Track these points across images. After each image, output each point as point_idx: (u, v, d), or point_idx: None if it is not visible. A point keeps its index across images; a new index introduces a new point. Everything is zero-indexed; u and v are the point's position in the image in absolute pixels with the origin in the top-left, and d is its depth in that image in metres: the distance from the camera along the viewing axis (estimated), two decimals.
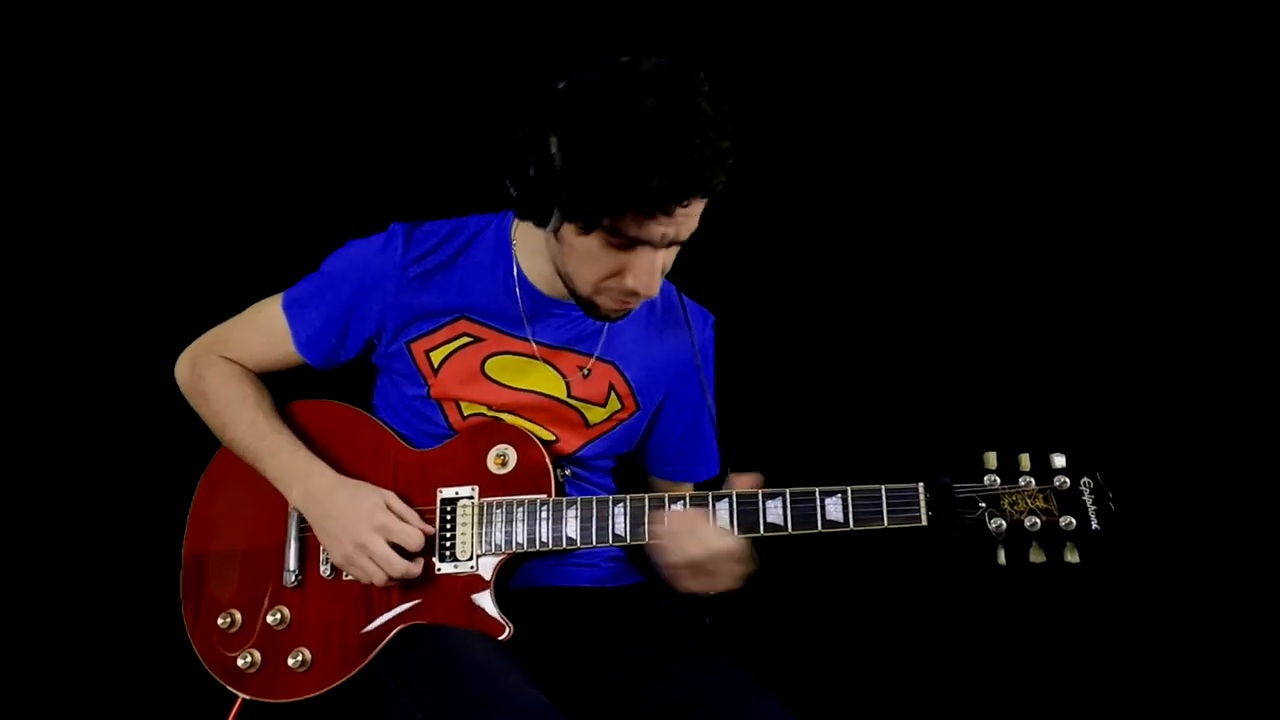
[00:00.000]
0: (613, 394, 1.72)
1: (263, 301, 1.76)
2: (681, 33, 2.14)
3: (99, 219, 2.22)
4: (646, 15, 2.14)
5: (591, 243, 1.47)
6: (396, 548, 1.57)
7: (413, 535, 1.57)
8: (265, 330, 1.74)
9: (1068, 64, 2.16)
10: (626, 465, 1.85)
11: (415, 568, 1.57)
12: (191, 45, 2.21)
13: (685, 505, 1.53)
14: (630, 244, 1.46)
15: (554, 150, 1.41)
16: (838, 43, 2.22)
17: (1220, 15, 2.10)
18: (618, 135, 1.36)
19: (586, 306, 1.58)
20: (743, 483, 1.53)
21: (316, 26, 2.21)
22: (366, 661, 1.58)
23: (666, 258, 1.52)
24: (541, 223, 1.49)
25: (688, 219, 1.46)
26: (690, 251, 1.60)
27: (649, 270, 1.48)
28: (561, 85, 1.43)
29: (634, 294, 1.51)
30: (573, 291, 1.57)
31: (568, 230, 1.48)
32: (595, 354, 1.70)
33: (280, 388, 1.77)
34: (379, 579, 1.57)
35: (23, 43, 2.17)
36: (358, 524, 1.56)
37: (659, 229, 1.44)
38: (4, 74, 2.17)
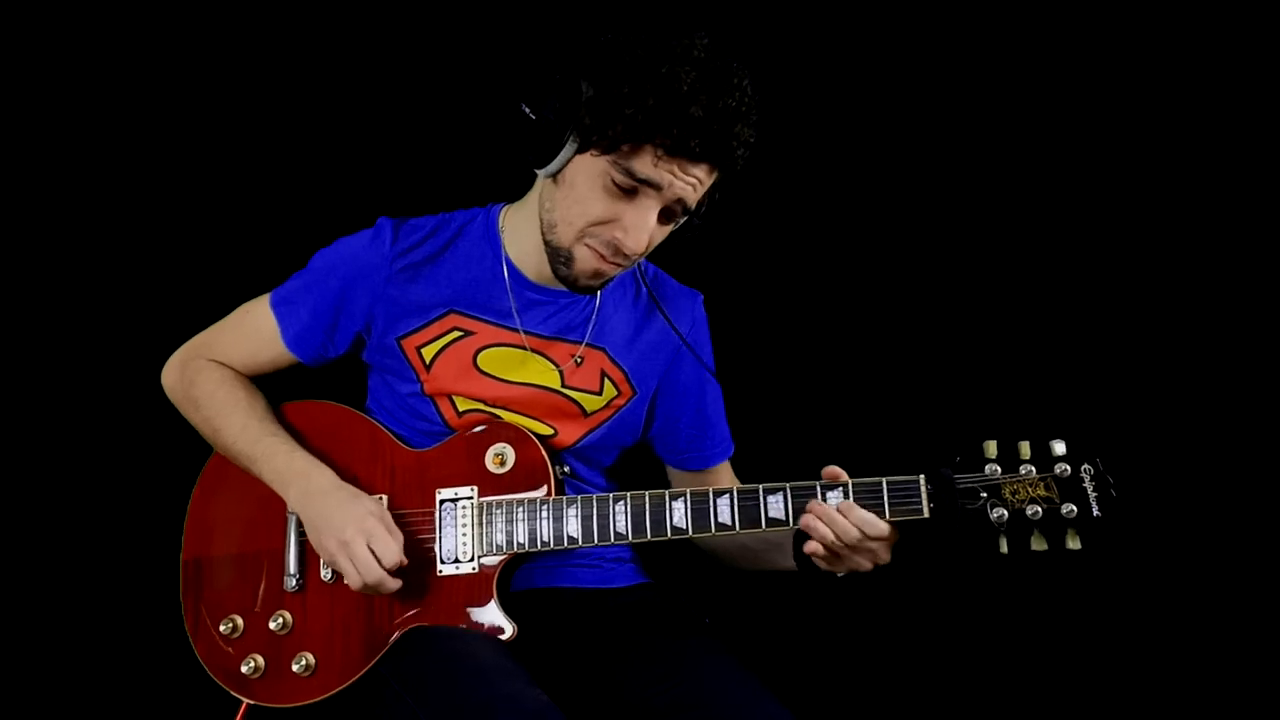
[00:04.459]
0: (606, 380, 1.71)
1: (250, 302, 1.75)
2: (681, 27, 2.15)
3: (89, 222, 2.21)
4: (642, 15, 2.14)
5: (595, 180, 1.48)
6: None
7: (391, 550, 1.54)
8: (254, 330, 1.73)
9: (1068, 63, 2.15)
10: (624, 465, 1.84)
11: (390, 583, 1.54)
12: (176, 47, 2.19)
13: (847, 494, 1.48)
14: (633, 190, 1.47)
15: (584, 85, 1.45)
16: (841, 39, 2.21)
17: (1220, 15, 2.09)
18: (663, 69, 1.40)
19: (564, 263, 1.56)
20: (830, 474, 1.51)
21: (301, 28, 2.20)
22: (370, 665, 1.58)
23: (658, 232, 1.52)
24: (548, 156, 1.49)
25: (697, 185, 1.47)
26: (689, 241, 1.60)
27: (640, 225, 1.49)
28: (607, 37, 1.47)
29: (618, 250, 1.52)
30: (555, 245, 1.57)
31: (573, 167, 1.49)
32: (584, 340, 1.70)
33: (273, 389, 1.76)
34: (355, 583, 1.55)
35: (11, 44, 2.16)
36: (345, 523, 1.55)
37: (669, 176, 1.45)
38: None
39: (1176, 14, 2.10)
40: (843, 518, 1.46)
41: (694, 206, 1.51)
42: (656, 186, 1.47)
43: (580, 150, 1.48)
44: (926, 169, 2.22)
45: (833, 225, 2.24)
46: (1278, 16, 2.07)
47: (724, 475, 1.84)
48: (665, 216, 1.52)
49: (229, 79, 2.21)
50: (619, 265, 1.55)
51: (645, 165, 1.45)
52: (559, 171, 1.52)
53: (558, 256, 1.57)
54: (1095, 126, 2.16)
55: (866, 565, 1.50)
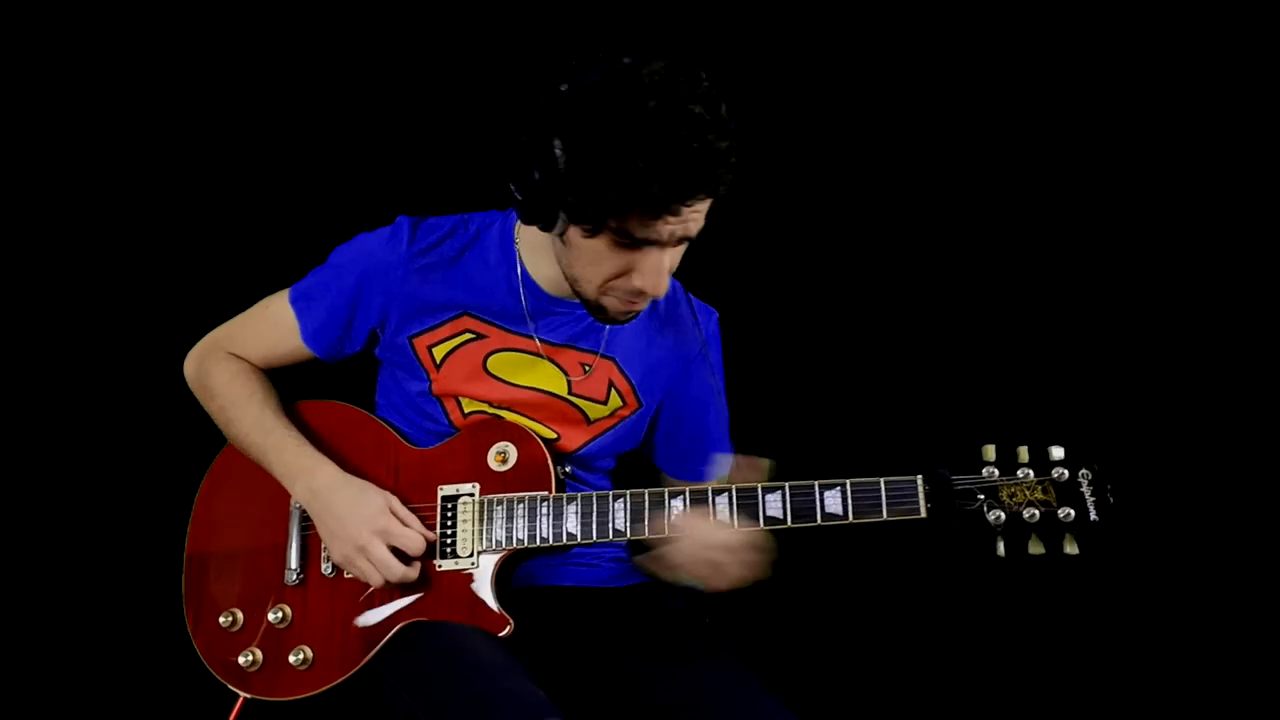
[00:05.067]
0: (613, 391, 1.72)
1: (270, 297, 1.77)
2: (683, 29, 2.16)
3: (106, 218, 2.23)
4: (647, 14, 2.15)
5: (598, 244, 1.46)
6: (397, 552, 1.57)
7: (414, 540, 1.57)
8: (272, 325, 1.75)
9: (1068, 64, 2.17)
10: (628, 466, 1.85)
11: (413, 572, 1.57)
12: (197, 43, 2.22)
13: (685, 503, 1.54)
14: (637, 244, 1.46)
15: (558, 153, 1.40)
16: (840, 38, 2.23)
17: (1220, 15, 2.11)
18: (619, 139, 1.36)
19: (594, 310, 1.58)
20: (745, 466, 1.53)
21: (321, 25, 2.22)
22: (368, 659, 1.58)
23: (673, 256, 1.52)
24: (547, 226, 1.49)
25: (696, 216, 1.46)
26: (692, 243, 1.60)
27: (656, 270, 1.48)
28: (564, 88, 1.42)
29: (641, 294, 1.52)
30: (580, 294, 1.57)
31: (574, 233, 1.48)
32: (599, 351, 1.71)
33: (284, 387, 1.77)
34: (376, 581, 1.57)
35: (24, 43, 2.18)
36: (359, 526, 1.57)
37: (666, 228, 1.44)
38: (6, 74, 2.18)
39: (1176, 14, 2.12)
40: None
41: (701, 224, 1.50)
42: (657, 243, 1.46)
43: (572, 222, 1.47)
44: (925, 170, 2.23)
45: (834, 226, 2.25)
46: (1278, 16, 2.08)
47: None
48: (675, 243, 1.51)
49: (252, 78, 2.23)
50: (646, 301, 1.56)
51: (640, 227, 1.43)
52: (563, 234, 1.51)
53: (588, 305, 1.58)
54: (1095, 127, 2.18)
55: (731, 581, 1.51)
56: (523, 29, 2.19)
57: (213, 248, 2.24)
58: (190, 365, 1.79)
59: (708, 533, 1.51)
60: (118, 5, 2.19)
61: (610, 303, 1.55)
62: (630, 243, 1.45)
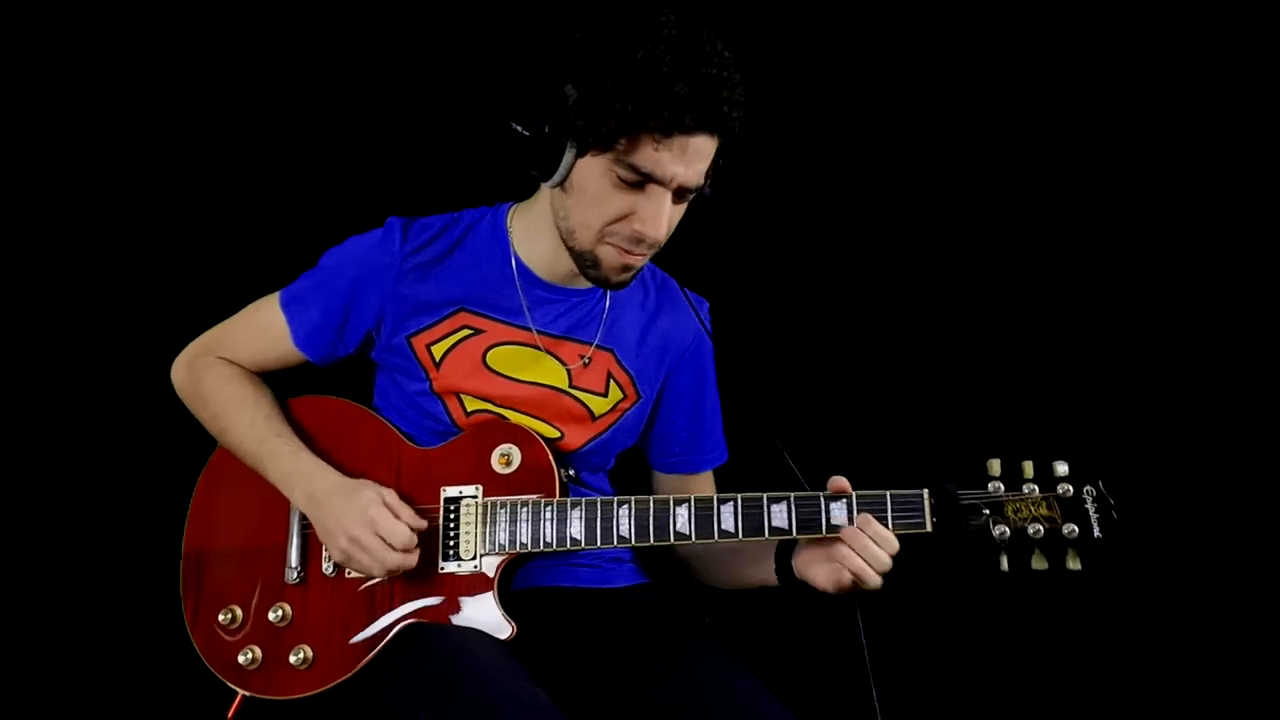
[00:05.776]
0: (612, 382, 1.72)
1: (259, 300, 1.75)
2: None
3: (96, 219, 2.21)
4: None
5: (602, 181, 1.49)
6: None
7: (400, 531, 1.55)
8: (263, 329, 1.73)
9: (1068, 64, 2.16)
10: (624, 468, 1.84)
11: (409, 560, 1.56)
12: (185, 44, 2.19)
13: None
14: (641, 182, 1.47)
15: (569, 91, 1.45)
16: (842, 37, 2.21)
17: (1220, 15, 2.10)
18: (639, 55, 1.41)
19: (590, 265, 1.57)
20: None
21: (308, 27, 2.20)
22: (368, 660, 1.58)
23: (674, 213, 1.53)
24: (551, 168, 1.50)
25: (698, 158, 1.48)
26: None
27: (656, 212, 1.50)
28: (578, 35, 1.47)
29: (640, 240, 1.52)
30: (577, 250, 1.57)
31: (579, 171, 1.50)
32: (595, 341, 1.71)
33: (281, 386, 1.76)
34: (377, 572, 1.56)
35: (22, 43, 2.16)
36: (350, 519, 1.56)
37: (671, 164, 1.46)
38: (2, 74, 2.16)
39: (1176, 14, 2.11)
40: (872, 543, 1.47)
41: (703, 180, 1.52)
42: (661, 181, 1.48)
43: (580, 154, 1.49)
44: (931, 181, 2.22)
45: (842, 238, 2.25)
46: (1278, 16, 2.08)
47: (705, 484, 1.85)
48: (677, 196, 1.53)
49: (239, 79, 2.21)
50: (643, 255, 1.56)
51: (646, 157, 1.46)
52: (565, 179, 1.53)
53: (584, 261, 1.58)
54: (1103, 140, 2.17)
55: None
56: (510, 30, 2.17)
57: (203, 248, 2.21)
58: (179, 371, 1.77)
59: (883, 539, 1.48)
60: (102, 8, 2.16)
61: (607, 253, 1.55)
62: (635, 179, 1.47)
